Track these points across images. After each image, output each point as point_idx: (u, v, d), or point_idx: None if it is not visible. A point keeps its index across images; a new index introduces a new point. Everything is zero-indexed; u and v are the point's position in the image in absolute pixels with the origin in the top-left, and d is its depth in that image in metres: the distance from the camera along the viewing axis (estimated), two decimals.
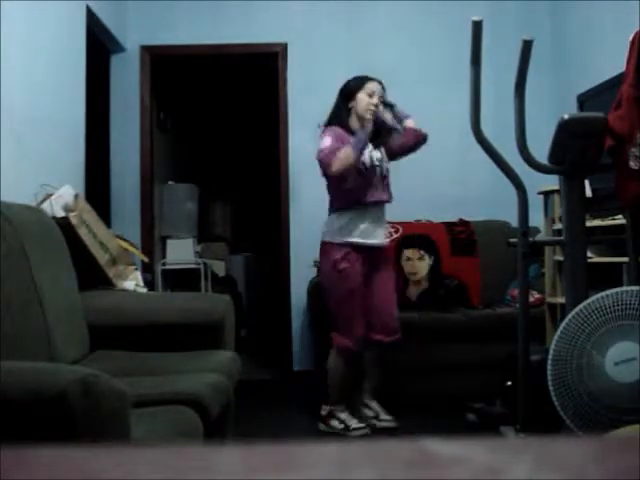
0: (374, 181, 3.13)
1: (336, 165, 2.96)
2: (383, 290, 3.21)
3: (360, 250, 3.08)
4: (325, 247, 3.14)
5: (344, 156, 2.95)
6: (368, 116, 3.09)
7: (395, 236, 3.90)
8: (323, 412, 3.24)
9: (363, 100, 3.11)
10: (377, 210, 3.16)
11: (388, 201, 3.21)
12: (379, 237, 3.17)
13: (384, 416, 3.26)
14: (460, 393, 3.44)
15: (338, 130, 3.08)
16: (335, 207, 3.14)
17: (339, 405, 3.21)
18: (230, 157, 7.28)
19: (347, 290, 3.06)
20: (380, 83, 3.17)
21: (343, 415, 3.20)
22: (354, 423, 3.17)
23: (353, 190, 3.07)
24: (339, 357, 3.15)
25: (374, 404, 3.32)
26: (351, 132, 3.09)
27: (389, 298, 3.25)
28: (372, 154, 3.14)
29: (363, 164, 3.07)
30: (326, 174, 3.06)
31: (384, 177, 3.20)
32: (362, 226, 3.08)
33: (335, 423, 3.20)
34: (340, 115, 3.15)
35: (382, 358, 3.30)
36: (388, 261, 3.32)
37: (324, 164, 3.01)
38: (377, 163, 3.15)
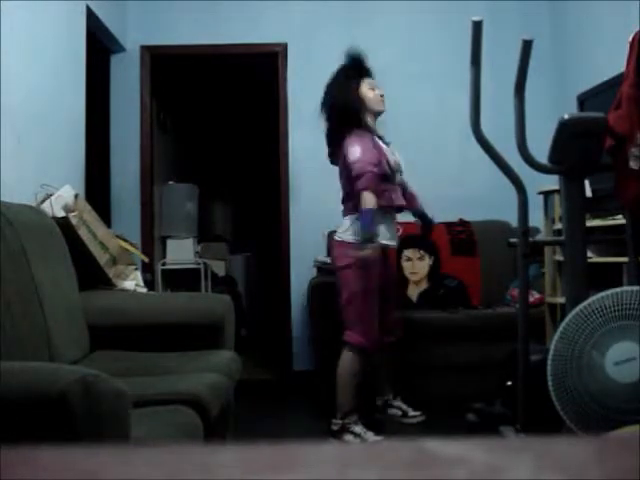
0: (395, 185, 3.09)
1: (364, 191, 2.89)
2: (388, 290, 3.19)
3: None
4: (345, 247, 3.00)
5: (369, 199, 2.88)
6: (381, 107, 3.10)
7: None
8: (334, 427, 3.00)
9: (369, 95, 3.08)
10: (395, 214, 3.14)
11: (405, 206, 3.18)
12: (394, 239, 3.16)
13: (412, 412, 3.30)
14: (460, 393, 3.44)
15: (361, 135, 3.00)
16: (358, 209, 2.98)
17: (352, 416, 3.00)
18: (230, 157, 7.28)
19: (368, 288, 2.96)
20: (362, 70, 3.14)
21: (358, 428, 2.98)
22: (370, 436, 2.97)
23: (379, 194, 2.98)
24: (355, 356, 2.97)
25: (399, 402, 3.34)
26: (369, 130, 3.05)
27: (393, 299, 3.27)
28: (394, 158, 3.08)
29: (390, 168, 3.01)
30: (354, 182, 2.96)
31: (401, 183, 3.17)
32: (382, 228, 3.00)
33: (350, 438, 2.96)
34: (356, 117, 3.06)
35: (390, 358, 3.32)
36: (393, 262, 3.31)
37: (358, 177, 2.91)
38: (397, 168, 3.10)
